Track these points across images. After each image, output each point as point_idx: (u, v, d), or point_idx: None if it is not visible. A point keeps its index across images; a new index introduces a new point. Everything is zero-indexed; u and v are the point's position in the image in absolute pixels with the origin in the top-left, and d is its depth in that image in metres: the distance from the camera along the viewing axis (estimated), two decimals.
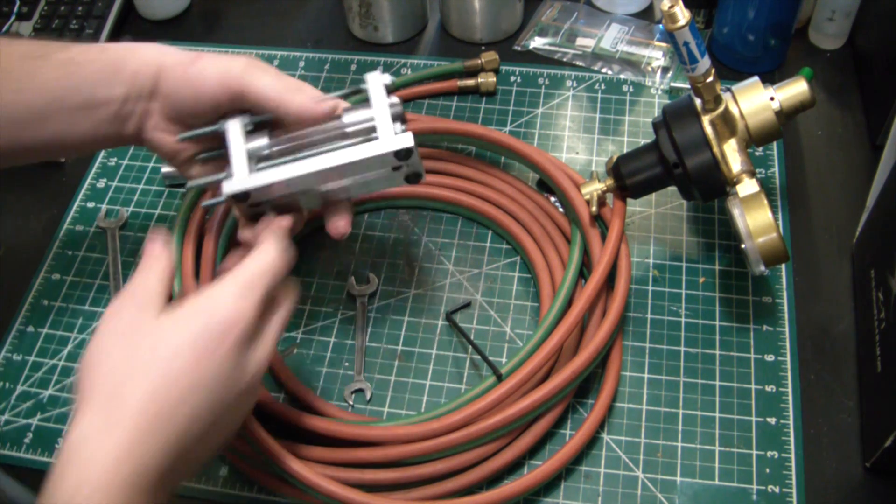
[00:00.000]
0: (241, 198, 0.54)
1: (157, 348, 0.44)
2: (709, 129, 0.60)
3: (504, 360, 0.64)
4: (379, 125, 0.55)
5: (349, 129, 0.56)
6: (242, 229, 0.57)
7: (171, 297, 0.65)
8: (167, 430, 0.43)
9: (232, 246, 0.69)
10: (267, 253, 0.50)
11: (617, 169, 0.63)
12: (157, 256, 0.50)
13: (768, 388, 0.61)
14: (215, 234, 0.67)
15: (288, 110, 0.53)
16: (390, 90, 0.56)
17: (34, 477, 0.61)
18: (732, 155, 0.60)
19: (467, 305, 0.67)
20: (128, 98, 0.56)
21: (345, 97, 0.58)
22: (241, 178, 0.54)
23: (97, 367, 0.44)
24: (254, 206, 0.56)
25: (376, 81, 0.56)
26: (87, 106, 0.55)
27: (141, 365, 0.44)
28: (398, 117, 0.56)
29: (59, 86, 0.55)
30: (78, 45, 0.57)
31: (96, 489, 0.40)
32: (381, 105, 0.55)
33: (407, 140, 0.54)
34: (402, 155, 0.55)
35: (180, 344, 0.45)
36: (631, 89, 0.80)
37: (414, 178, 0.58)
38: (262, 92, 0.53)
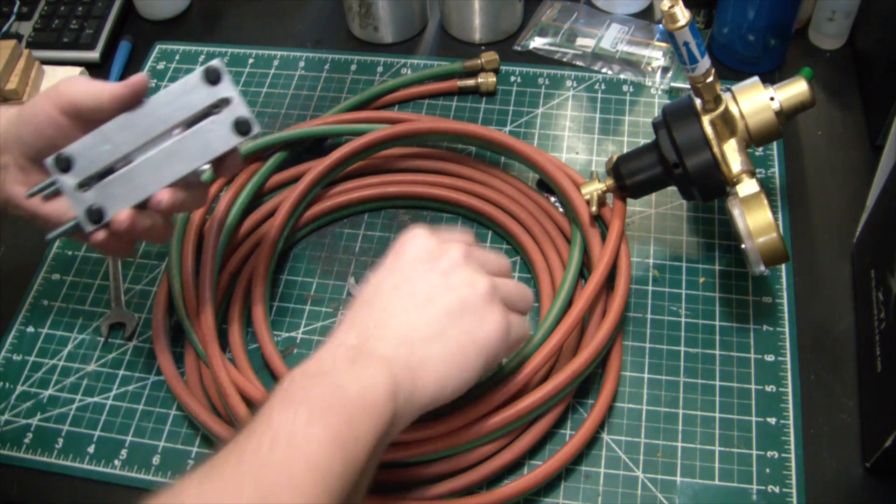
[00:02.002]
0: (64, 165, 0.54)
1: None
2: (709, 129, 0.60)
3: (504, 359, 0.64)
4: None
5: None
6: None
7: (171, 296, 0.65)
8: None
9: (231, 244, 0.69)
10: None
11: (617, 169, 0.63)
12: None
13: (768, 388, 0.61)
14: (215, 233, 0.67)
15: (107, 94, 0.54)
16: (213, 77, 0.54)
17: (34, 477, 0.61)
18: (732, 155, 0.60)
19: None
20: None
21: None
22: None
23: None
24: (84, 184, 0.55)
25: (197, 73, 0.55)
26: None
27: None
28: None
29: None
30: None
31: None
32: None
33: (213, 62, 0.54)
34: (211, 75, 0.54)
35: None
36: (631, 89, 0.80)
37: (244, 125, 0.55)
38: (85, 91, 0.54)
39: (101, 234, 0.55)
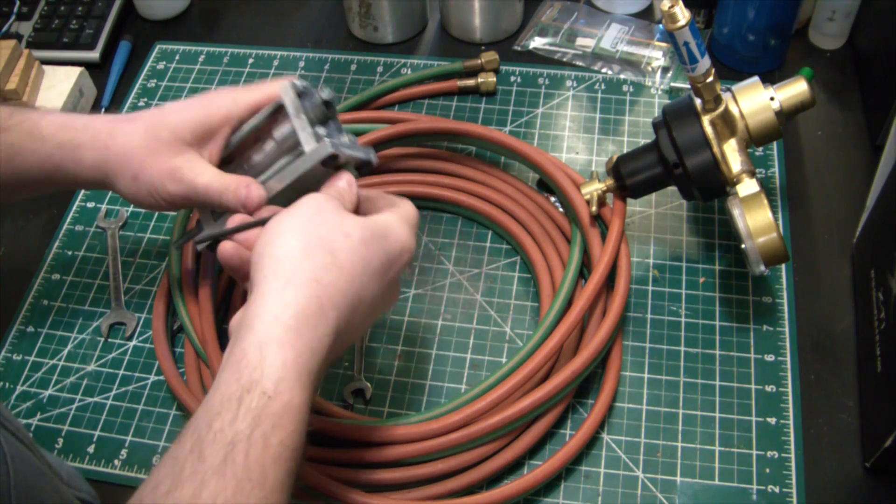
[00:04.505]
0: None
1: (347, 233, 0.48)
2: (709, 129, 0.60)
3: (504, 360, 0.64)
4: (301, 137, 0.54)
5: (284, 145, 0.56)
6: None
7: (171, 296, 0.65)
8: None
9: None
10: (411, 205, 0.54)
11: (617, 169, 0.63)
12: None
13: (768, 388, 0.61)
14: None
15: (228, 203, 0.55)
16: (300, 92, 0.55)
17: None
18: (732, 155, 0.60)
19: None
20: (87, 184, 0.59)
21: (269, 115, 0.57)
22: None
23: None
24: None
25: (287, 91, 0.55)
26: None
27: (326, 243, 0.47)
28: (320, 118, 0.55)
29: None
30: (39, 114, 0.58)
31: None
32: (298, 114, 0.55)
33: (325, 149, 0.53)
34: (329, 162, 0.54)
35: (362, 240, 0.48)
36: (631, 89, 0.80)
37: (365, 166, 0.57)
38: (205, 190, 0.55)
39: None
